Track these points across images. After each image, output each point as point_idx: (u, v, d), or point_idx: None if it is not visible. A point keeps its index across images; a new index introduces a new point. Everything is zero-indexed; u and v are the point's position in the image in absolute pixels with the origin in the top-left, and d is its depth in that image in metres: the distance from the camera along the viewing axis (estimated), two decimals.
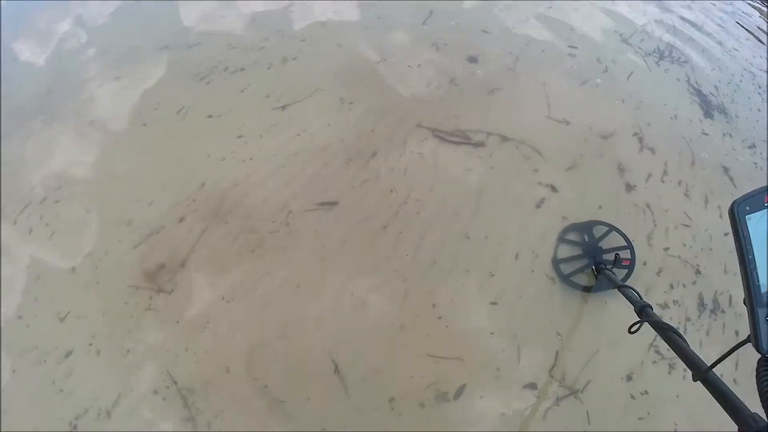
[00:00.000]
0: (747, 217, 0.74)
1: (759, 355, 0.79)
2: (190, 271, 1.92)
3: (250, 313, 1.83)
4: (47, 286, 1.94)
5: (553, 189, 2.17)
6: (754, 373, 0.82)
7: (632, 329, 1.31)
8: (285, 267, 1.91)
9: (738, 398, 0.91)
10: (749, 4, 4.15)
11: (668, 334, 1.19)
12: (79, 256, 1.98)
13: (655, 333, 1.25)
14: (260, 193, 2.07)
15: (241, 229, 1.99)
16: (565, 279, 1.95)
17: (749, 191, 0.74)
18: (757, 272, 0.75)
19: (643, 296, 1.99)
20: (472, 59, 2.66)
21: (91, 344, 1.81)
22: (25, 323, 1.87)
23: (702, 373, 0.99)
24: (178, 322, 1.83)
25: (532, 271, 1.96)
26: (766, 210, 0.75)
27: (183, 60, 2.58)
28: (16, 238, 2.05)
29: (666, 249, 2.13)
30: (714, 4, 3.78)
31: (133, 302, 1.87)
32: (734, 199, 0.75)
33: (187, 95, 2.41)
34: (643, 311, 1.36)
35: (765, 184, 0.72)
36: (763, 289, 0.75)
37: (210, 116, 2.32)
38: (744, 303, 0.78)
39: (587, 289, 1.95)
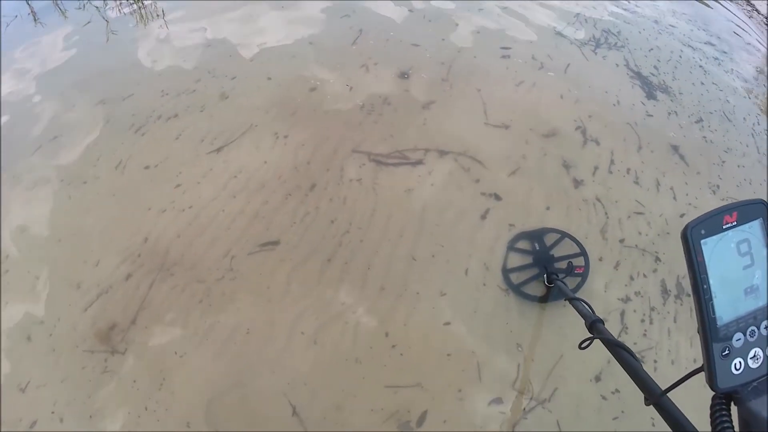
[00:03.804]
0: (702, 241, 0.65)
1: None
2: (141, 328, 1.88)
3: (203, 365, 1.79)
4: (6, 358, 1.89)
5: (497, 197, 2.15)
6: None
7: (583, 345, 1.25)
8: (233, 314, 1.87)
9: (693, 426, 0.86)
10: None
11: (620, 352, 1.14)
12: (33, 324, 1.94)
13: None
14: (203, 241, 2.04)
15: (187, 280, 1.96)
16: (517, 290, 1.92)
17: (704, 213, 0.66)
18: (713, 303, 0.66)
19: (605, 290, 1.99)
20: (404, 75, 2.64)
21: (53, 412, 1.76)
22: None
23: (655, 398, 0.94)
24: (135, 381, 1.79)
25: (484, 284, 1.93)
26: (723, 234, 0.66)
27: (118, 113, 2.55)
28: None
29: (621, 240, 2.11)
30: None
31: (90, 366, 1.83)
32: (689, 221, 0.66)
33: (123, 148, 2.37)
34: (594, 326, 1.30)
35: (719, 194, 0.63)
36: (720, 323, 0.67)
37: (147, 167, 2.28)
38: (698, 333, 0.69)
39: (543, 299, 1.91)
